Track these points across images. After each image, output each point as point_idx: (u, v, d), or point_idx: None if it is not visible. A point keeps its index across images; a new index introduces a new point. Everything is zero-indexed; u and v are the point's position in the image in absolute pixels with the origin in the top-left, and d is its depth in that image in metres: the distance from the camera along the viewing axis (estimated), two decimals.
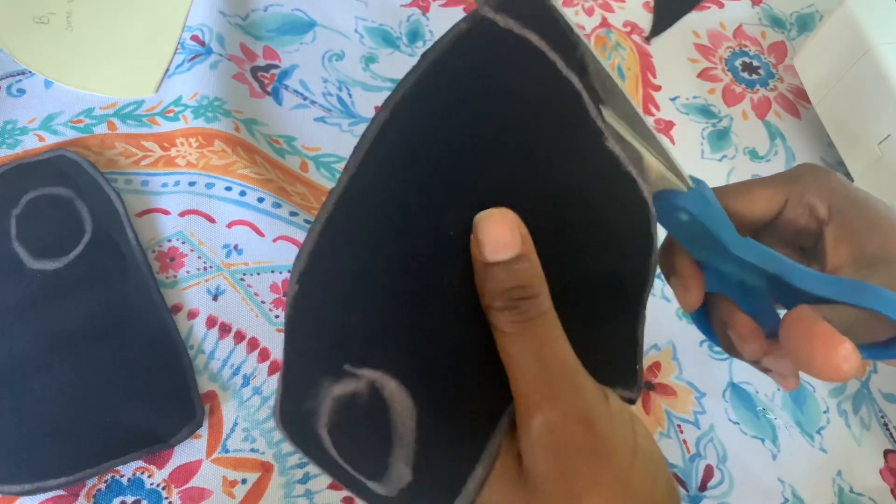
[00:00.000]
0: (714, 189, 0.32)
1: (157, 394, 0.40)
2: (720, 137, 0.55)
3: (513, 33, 0.25)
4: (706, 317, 0.35)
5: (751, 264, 0.31)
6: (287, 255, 0.44)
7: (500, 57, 0.25)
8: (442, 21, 0.57)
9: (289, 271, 0.44)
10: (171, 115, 0.48)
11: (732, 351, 0.34)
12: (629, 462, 0.25)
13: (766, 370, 0.33)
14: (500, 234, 0.24)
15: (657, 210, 0.30)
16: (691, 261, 0.33)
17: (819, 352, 0.26)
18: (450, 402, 0.25)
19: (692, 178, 0.31)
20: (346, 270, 0.24)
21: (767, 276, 0.30)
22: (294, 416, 0.25)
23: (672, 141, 0.54)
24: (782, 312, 0.31)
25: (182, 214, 0.45)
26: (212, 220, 0.45)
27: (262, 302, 0.43)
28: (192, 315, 0.42)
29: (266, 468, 0.39)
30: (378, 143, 0.24)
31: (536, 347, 0.24)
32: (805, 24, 0.62)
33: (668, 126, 0.55)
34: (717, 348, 0.46)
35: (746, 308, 0.33)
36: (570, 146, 0.27)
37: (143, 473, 0.38)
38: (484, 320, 0.25)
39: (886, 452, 0.44)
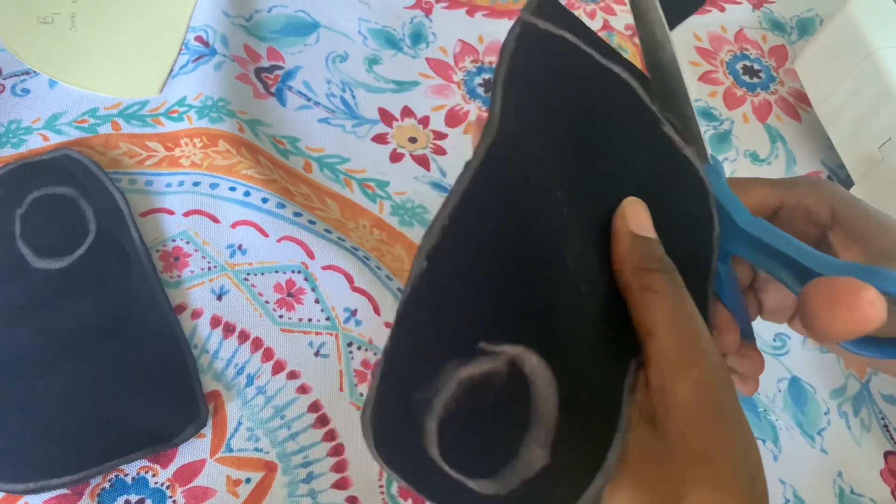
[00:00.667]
0: None
1: (160, 393, 0.40)
2: (721, 140, 0.56)
3: (550, 33, 0.27)
4: None
5: (761, 243, 0.31)
6: (291, 256, 0.44)
7: (550, 55, 0.27)
8: (444, 23, 0.58)
9: (293, 271, 0.44)
10: (176, 115, 0.49)
11: None
12: (749, 427, 0.26)
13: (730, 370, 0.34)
14: (643, 218, 0.28)
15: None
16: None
17: (843, 301, 0.26)
18: (585, 373, 0.25)
19: (711, 156, 0.32)
20: (483, 244, 0.24)
21: (776, 255, 0.30)
22: (394, 413, 0.23)
23: None
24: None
25: (186, 214, 0.45)
26: (216, 220, 0.45)
27: (266, 302, 0.43)
28: (196, 315, 0.42)
29: (270, 468, 0.39)
30: (503, 121, 0.25)
31: (683, 309, 0.26)
32: (805, 27, 0.63)
33: None
34: None
35: (724, 303, 0.33)
36: (634, 134, 0.29)
37: (147, 472, 0.38)
38: (606, 291, 0.27)
39: (887, 454, 0.44)
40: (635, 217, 0.28)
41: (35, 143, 0.47)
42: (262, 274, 0.44)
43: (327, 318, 0.43)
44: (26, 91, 0.49)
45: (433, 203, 0.49)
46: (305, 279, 0.44)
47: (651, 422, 0.26)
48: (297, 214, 0.45)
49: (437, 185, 0.50)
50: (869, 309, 0.26)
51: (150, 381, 0.40)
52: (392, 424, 0.23)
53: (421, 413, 0.23)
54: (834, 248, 0.33)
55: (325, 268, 0.44)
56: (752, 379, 0.34)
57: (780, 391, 0.45)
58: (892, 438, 0.44)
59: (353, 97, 0.53)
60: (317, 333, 0.43)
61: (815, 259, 0.29)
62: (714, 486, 0.24)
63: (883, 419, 0.45)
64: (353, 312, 0.43)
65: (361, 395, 0.41)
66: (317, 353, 0.42)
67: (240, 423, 0.40)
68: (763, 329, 0.47)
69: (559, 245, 0.26)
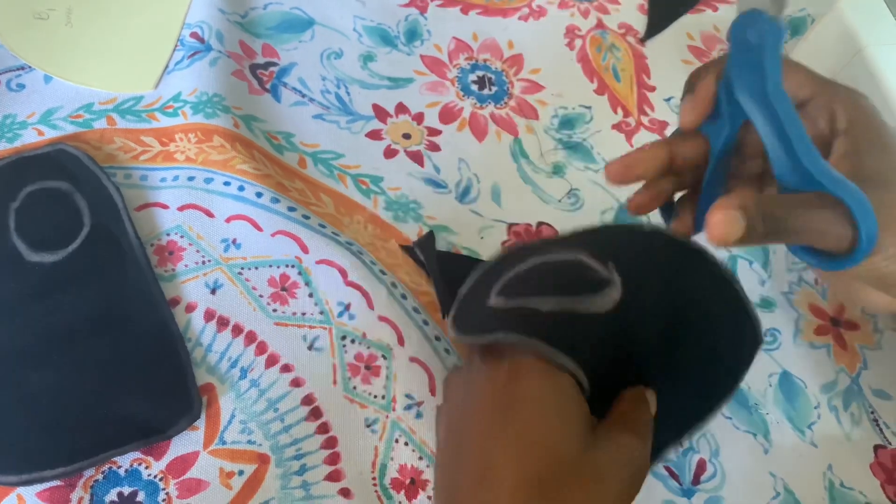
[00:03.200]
0: None
1: (154, 386, 0.40)
2: None
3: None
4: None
5: (774, 115, 0.32)
6: (285, 250, 0.44)
7: None
8: (439, 21, 0.58)
9: (287, 266, 0.44)
10: (171, 110, 0.49)
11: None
12: None
13: None
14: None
15: (734, 24, 0.34)
16: (713, 87, 0.35)
17: (711, 213, 0.31)
18: None
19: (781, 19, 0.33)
20: None
21: (780, 133, 0.33)
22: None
23: None
24: None
25: (181, 209, 0.45)
26: (210, 215, 0.45)
27: (261, 296, 0.43)
28: (190, 308, 0.42)
29: (263, 460, 0.39)
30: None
31: None
32: (797, 27, 0.63)
33: (661, 126, 0.56)
34: None
35: (708, 181, 0.36)
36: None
37: (140, 464, 0.38)
38: None
39: (876, 447, 0.44)
40: (717, 224, 0.31)
41: (30, 137, 0.47)
42: (256, 268, 0.44)
43: (321, 312, 0.43)
44: (21, 86, 0.49)
45: (427, 199, 0.49)
46: (299, 273, 0.44)
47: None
48: (291, 209, 0.45)
49: (430, 181, 0.50)
50: (715, 228, 0.31)
51: (143, 374, 0.40)
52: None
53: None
54: (833, 157, 0.34)
55: (318, 262, 0.44)
56: None
57: (770, 386, 0.45)
58: (882, 432, 0.45)
59: (348, 93, 0.53)
60: (310, 327, 0.43)
61: (807, 150, 0.32)
62: None
63: (873, 413, 0.45)
64: (347, 306, 0.43)
65: (355, 388, 0.42)
66: (310, 347, 0.42)
67: (233, 416, 0.40)
68: None
69: None
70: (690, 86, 0.36)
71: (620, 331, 0.33)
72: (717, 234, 0.31)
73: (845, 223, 0.31)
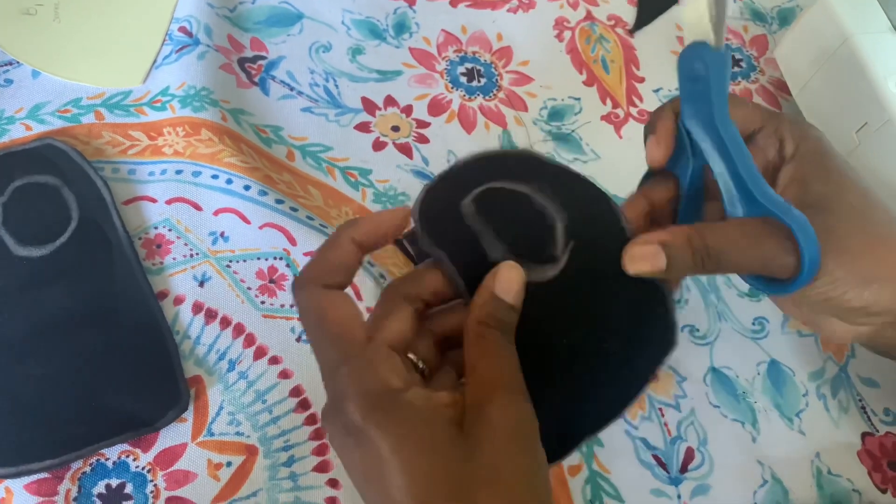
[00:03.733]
0: None
1: (142, 378, 0.40)
2: None
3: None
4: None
5: (721, 142, 0.34)
6: (273, 242, 0.44)
7: None
8: (428, 14, 0.58)
9: (275, 258, 0.44)
10: (159, 104, 0.49)
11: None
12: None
13: None
14: (514, 284, 0.31)
15: (681, 57, 0.34)
16: (673, 123, 0.36)
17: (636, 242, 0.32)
18: None
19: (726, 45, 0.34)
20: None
21: (729, 164, 0.34)
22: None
23: None
24: None
25: (169, 202, 0.45)
26: (198, 208, 0.45)
27: (248, 288, 0.43)
28: (178, 301, 0.42)
29: (251, 451, 0.39)
30: None
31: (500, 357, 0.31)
32: (786, 18, 0.63)
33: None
34: (698, 333, 0.46)
35: (681, 219, 0.37)
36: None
37: (128, 457, 0.38)
38: None
39: (864, 435, 0.44)
40: (506, 280, 0.31)
41: (18, 132, 0.47)
42: (244, 261, 0.44)
43: None
44: (9, 81, 0.49)
45: (416, 191, 0.49)
46: (287, 266, 0.44)
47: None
48: (279, 202, 0.45)
49: (419, 173, 0.50)
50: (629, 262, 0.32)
51: (131, 367, 0.40)
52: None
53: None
54: (779, 184, 0.36)
55: (306, 254, 0.44)
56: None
57: (759, 374, 0.45)
58: (870, 419, 0.45)
59: (337, 86, 0.53)
60: (298, 319, 0.43)
61: (754, 179, 0.33)
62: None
63: (860, 401, 0.45)
64: None
65: None
66: (298, 339, 0.42)
67: (221, 408, 0.40)
68: (742, 313, 0.47)
69: None
70: (652, 126, 0.37)
71: (546, 306, 0.32)
72: (632, 268, 0.32)
73: (789, 250, 0.32)
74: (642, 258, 0.32)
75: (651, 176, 0.38)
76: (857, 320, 0.35)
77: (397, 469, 0.27)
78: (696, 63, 0.34)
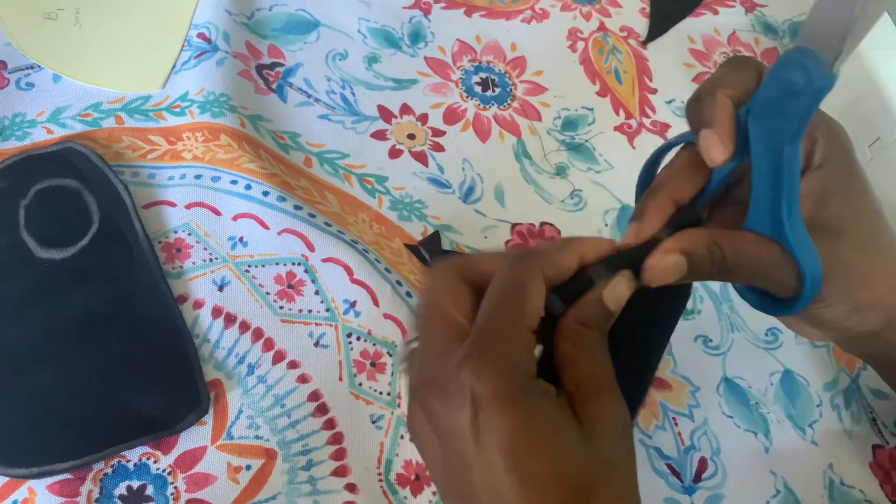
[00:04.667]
0: None
1: (163, 382, 0.40)
2: None
3: None
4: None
5: (779, 160, 0.31)
6: (291, 248, 0.45)
7: None
8: (443, 23, 0.59)
9: (293, 263, 0.45)
10: (178, 110, 0.49)
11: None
12: None
13: None
14: (622, 293, 0.32)
15: (784, 59, 0.29)
16: (732, 117, 0.32)
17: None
18: None
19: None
20: None
21: (775, 182, 0.31)
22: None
23: None
24: None
25: (188, 207, 0.46)
26: (217, 213, 0.46)
27: (267, 293, 0.44)
28: (197, 305, 0.43)
29: (270, 455, 0.40)
30: None
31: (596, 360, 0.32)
32: (797, 31, 0.64)
33: (663, 128, 0.56)
34: (711, 344, 0.47)
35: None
36: None
37: (149, 459, 0.39)
38: None
39: (875, 447, 0.45)
40: (618, 291, 0.31)
41: (39, 136, 0.47)
42: (263, 266, 0.45)
43: (327, 310, 0.44)
44: (31, 85, 0.49)
45: (431, 198, 0.50)
46: (305, 271, 0.45)
47: None
48: (297, 207, 0.46)
49: (434, 181, 0.51)
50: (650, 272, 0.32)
51: (152, 370, 0.41)
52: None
53: None
54: (801, 187, 0.34)
55: (324, 260, 0.45)
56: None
57: (772, 384, 0.46)
58: (881, 432, 0.45)
59: (353, 94, 0.54)
60: (317, 324, 0.43)
61: (791, 211, 0.31)
62: None
63: (871, 413, 0.46)
64: (353, 304, 0.44)
65: (360, 384, 0.42)
66: (316, 344, 0.43)
67: (240, 412, 0.40)
68: (755, 324, 0.48)
69: None
70: (705, 115, 0.32)
71: None
72: (652, 278, 0.32)
73: (791, 273, 0.32)
74: (665, 271, 0.32)
75: (663, 153, 0.37)
76: (830, 333, 0.36)
77: (523, 453, 0.27)
78: (797, 73, 0.29)
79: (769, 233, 0.32)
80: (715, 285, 0.49)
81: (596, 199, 0.52)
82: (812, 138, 0.34)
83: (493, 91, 0.56)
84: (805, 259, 0.31)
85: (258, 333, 0.43)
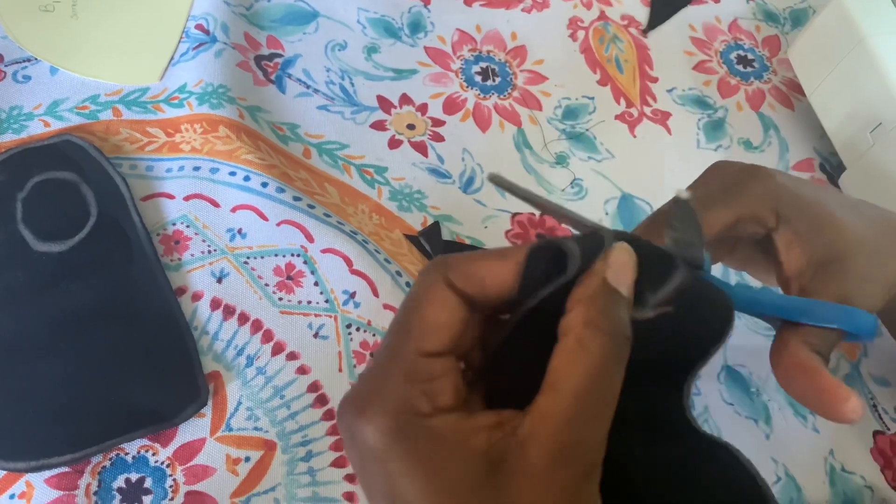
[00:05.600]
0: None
1: (161, 374, 0.40)
2: (715, 128, 0.56)
3: None
4: None
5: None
6: (290, 239, 0.45)
7: None
8: (443, 13, 0.58)
9: (292, 255, 0.45)
10: (176, 101, 0.49)
11: None
12: None
13: None
14: (628, 272, 0.26)
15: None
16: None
17: (829, 406, 0.30)
18: None
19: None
20: None
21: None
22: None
23: (668, 131, 0.55)
24: None
25: (187, 199, 0.45)
26: (216, 205, 0.45)
27: (266, 285, 0.44)
28: (196, 297, 0.43)
29: (269, 446, 0.39)
30: None
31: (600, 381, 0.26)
32: (798, 18, 0.63)
33: (664, 116, 0.56)
34: None
35: None
36: None
37: (147, 451, 0.39)
38: None
39: (875, 433, 0.45)
40: (620, 265, 0.25)
41: (36, 128, 0.47)
42: (262, 257, 0.44)
43: (326, 301, 0.44)
44: (28, 78, 0.49)
45: (431, 189, 0.50)
46: (305, 262, 0.45)
47: None
48: (296, 199, 0.46)
49: (434, 171, 0.51)
50: (851, 415, 0.30)
51: (150, 362, 0.41)
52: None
53: None
54: (779, 252, 0.35)
55: (324, 251, 0.44)
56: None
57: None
58: (881, 418, 0.45)
59: (352, 85, 0.53)
60: (316, 315, 0.43)
61: (763, 305, 0.33)
62: None
63: (872, 399, 0.46)
64: (352, 295, 0.44)
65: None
66: (316, 335, 0.43)
67: (240, 403, 0.40)
68: None
69: None
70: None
71: None
72: (855, 418, 0.30)
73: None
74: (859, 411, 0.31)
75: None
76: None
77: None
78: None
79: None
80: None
81: (597, 189, 0.52)
82: (753, 216, 0.34)
83: (494, 81, 0.56)
84: (845, 323, 0.32)
85: (257, 325, 0.42)
